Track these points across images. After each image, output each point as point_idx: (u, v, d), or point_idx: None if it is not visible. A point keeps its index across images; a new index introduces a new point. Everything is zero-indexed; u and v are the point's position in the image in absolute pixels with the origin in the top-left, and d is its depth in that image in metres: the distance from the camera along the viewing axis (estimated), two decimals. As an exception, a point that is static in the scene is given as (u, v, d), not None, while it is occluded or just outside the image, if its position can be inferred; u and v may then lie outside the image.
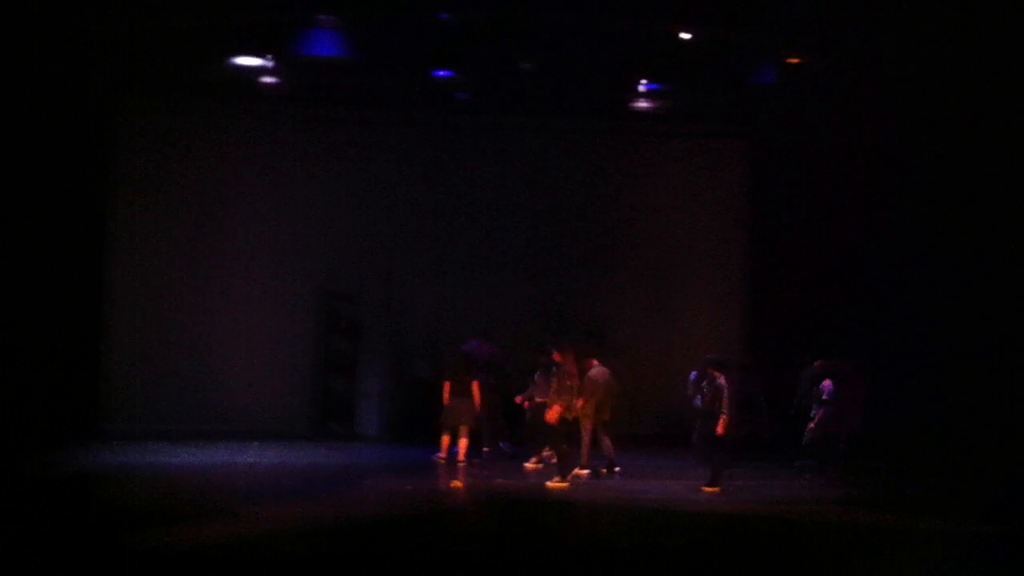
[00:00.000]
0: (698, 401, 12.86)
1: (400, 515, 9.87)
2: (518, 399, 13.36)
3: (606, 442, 12.65)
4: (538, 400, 12.78)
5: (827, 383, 13.04)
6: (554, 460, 12.26)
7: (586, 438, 12.59)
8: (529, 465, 13.09)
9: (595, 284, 16.55)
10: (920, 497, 11.37)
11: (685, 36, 13.08)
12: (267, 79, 13.40)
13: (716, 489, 11.51)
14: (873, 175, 14.19)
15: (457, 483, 12.08)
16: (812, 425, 12.98)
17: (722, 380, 11.84)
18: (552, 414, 11.79)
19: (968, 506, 10.57)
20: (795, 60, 13.75)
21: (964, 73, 12.50)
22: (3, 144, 13.15)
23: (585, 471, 12.54)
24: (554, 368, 12.05)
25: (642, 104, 14.63)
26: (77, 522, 9.04)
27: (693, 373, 13.51)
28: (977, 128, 12.56)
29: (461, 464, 13.04)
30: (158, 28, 12.72)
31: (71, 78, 13.65)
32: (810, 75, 13.88)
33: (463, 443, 13.18)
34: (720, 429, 11.57)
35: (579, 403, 12.02)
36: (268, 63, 13.42)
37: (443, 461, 13.24)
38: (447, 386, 13.14)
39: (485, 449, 13.81)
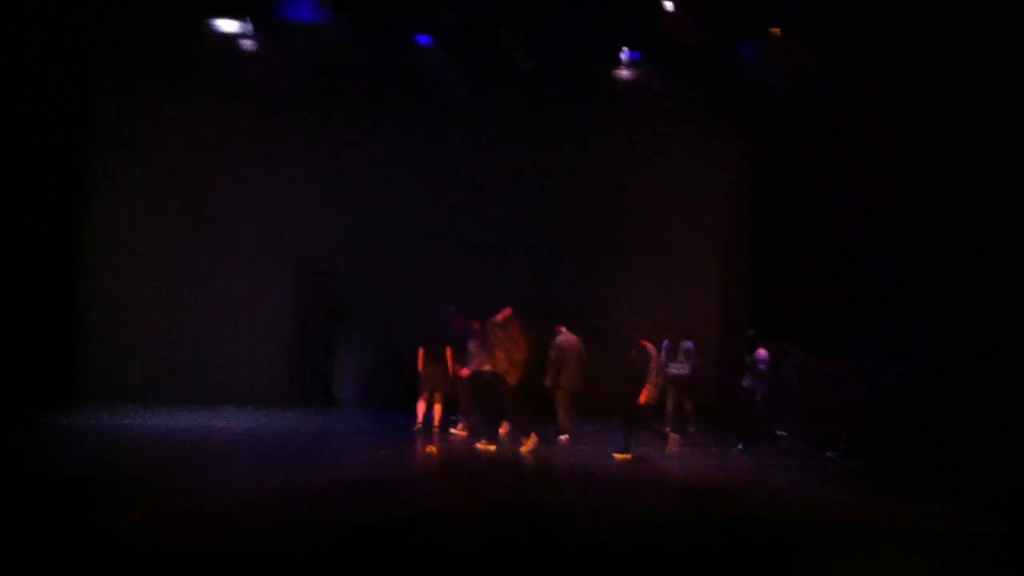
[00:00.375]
0: (673, 369, 13.53)
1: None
2: (463, 371, 13.32)
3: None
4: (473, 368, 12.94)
5: (761, 352, 13.12)
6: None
7: (564, 405, 12.90)
8: (456, 431, 13.56)
9: (592, 280, 16.59)
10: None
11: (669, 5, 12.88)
12: (249, 44, 13.33)
13: (627, 456, 11.92)
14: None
15: (432, 448, 12.27)
16: (759, 399, 13.03)
17: (650, 350, 12.20)
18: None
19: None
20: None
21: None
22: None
23: (564, 436, 12.91)
24: (492, 333, 12.32)
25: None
26: (57, 502, 9.05)
27: (666, 341, 14.03)
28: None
29: (436, 430, 13.32)
30: (143, 11, 12.61)
31: (53, 62, 13.66)
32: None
33: (438, 409, 13.43)
34: (642, 398, 12.03)
35: (557, 377, 12.69)
36: (245, 24, 13.34)
37: (419, 428, 13.40)
38: (421, 353, 13.42)
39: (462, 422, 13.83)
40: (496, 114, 16.13)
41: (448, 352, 13.39)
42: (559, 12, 13.27)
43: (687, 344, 14.09)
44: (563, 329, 13.14)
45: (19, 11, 12.59)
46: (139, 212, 15.98)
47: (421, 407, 13.53)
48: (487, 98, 15.45)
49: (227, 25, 13.49)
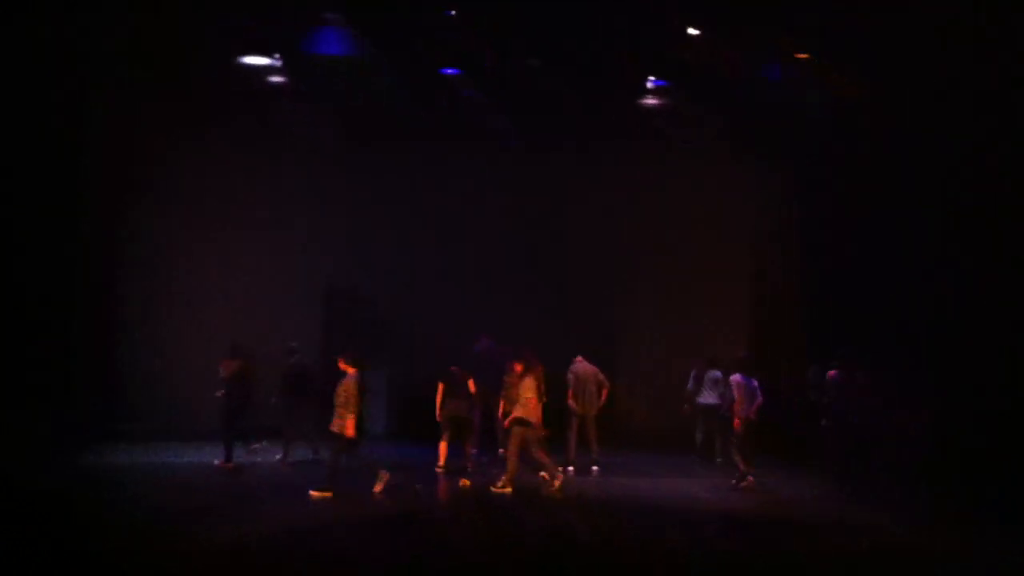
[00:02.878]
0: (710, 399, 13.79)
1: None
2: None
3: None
4: None
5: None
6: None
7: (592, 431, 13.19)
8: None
9: (613, 296, 16.50)
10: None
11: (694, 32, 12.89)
12: (273, 78, 13.44)
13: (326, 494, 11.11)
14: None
15: (465, 482, 12.21)
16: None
17: (352, 374, 11.34)
18: None
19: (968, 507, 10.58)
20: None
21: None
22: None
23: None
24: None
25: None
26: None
27: (692, 372, 14.28)
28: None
29: (469, 468, 12.83)
30: (161, 27, 12.57)
31: (75, 84, 13.57)
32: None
33: (468, 447, 13.12)
34: (348, 430, 11.19)
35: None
36: (274, 62, 13.42)
37: (442, 469, 12.86)
38: (440, 387, 12.79)
39: (473, 450, 13.43)
40: (515, 125, 15.68)
41: (471, 383, 12.87)
42: (593, 43, 13.23)
43: (714, 373, 13.92)
44: (579, 359, 13.22)
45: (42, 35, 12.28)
46: (166, 245, 15.85)
47: (443, 447, 12.90)
48: (507, 112, 15.25)
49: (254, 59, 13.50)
